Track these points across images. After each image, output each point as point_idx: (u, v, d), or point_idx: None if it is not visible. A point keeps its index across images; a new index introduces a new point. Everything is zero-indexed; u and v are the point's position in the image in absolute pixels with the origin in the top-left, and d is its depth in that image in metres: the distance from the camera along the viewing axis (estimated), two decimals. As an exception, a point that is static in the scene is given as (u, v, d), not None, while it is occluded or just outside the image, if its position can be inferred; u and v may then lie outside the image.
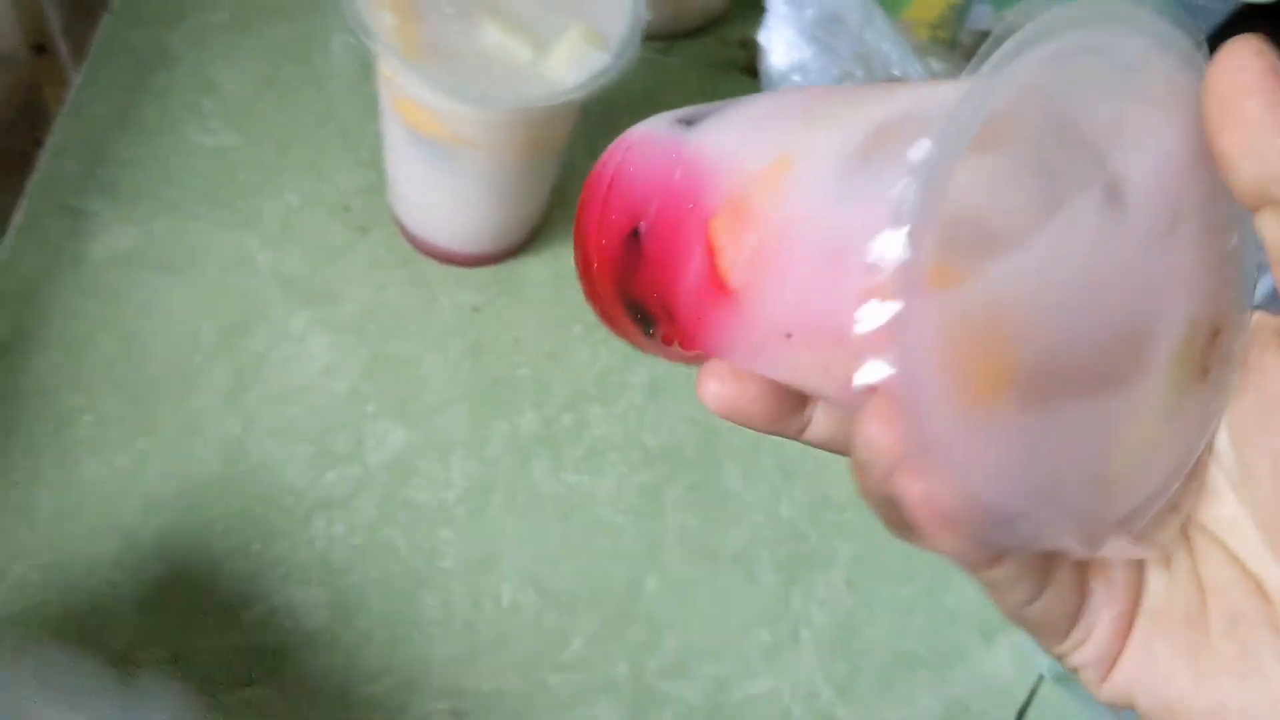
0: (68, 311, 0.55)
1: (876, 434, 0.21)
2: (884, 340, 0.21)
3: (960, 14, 0.63)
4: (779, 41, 0.51)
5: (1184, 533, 0.25)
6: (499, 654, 0.51)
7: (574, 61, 0.47)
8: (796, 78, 0.51)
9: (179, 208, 0.58)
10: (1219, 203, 0.23)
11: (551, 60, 0.47)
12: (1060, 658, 0.26)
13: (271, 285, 0.57)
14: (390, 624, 0.50)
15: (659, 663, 0.52)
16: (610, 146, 0.28)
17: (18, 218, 0.57)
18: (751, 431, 0.57)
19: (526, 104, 0.46)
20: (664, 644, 0.52)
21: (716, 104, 0.28)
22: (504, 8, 0.47)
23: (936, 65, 0.52)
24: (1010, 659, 0.55)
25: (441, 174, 0.52)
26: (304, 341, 0.56)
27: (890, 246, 0.21)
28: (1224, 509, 0.24)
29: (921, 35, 0.65)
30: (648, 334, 0.27)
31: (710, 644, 0.53)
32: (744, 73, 0.69)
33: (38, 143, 0.68)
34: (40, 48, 0.68)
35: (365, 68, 0.64)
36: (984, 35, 0.64)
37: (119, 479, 0.51)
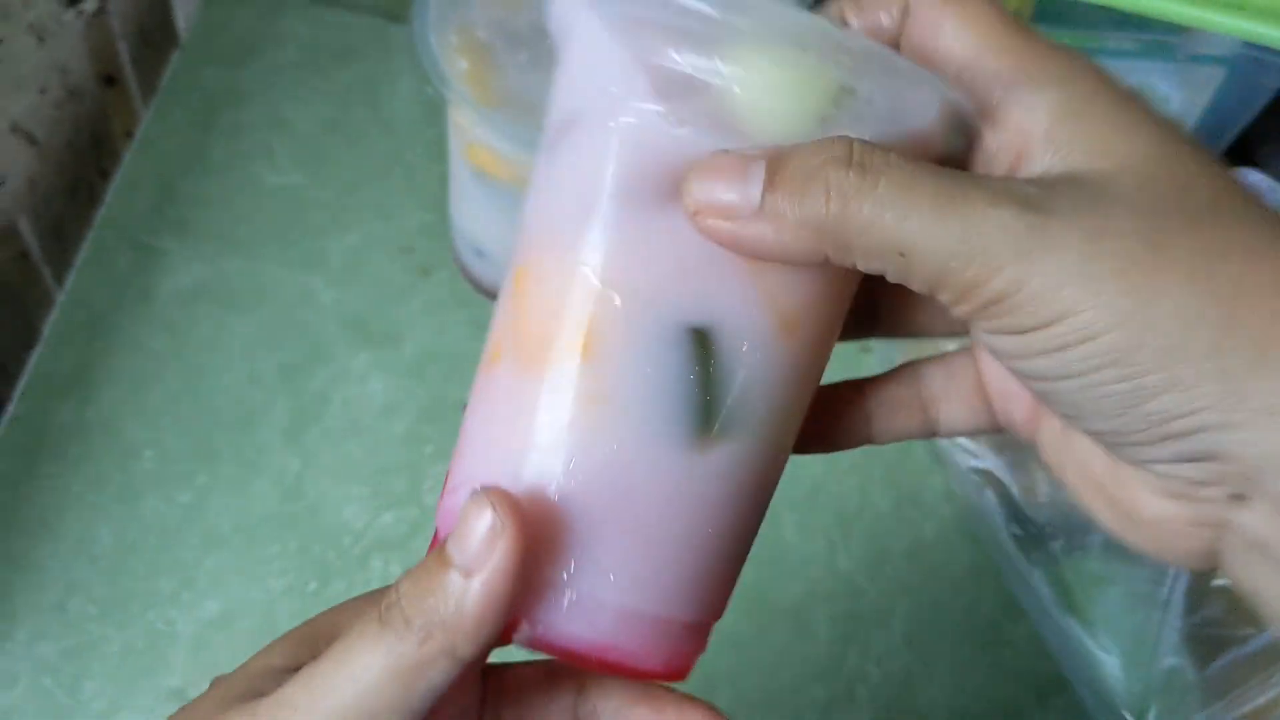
0: (134, 346, 0.56)
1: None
2: None
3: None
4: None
5: None
6: (551, 702, 0.50)
7: None
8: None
9: (246, 246, 0.59)
10: None
11: None
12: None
13: (334, 325, 0.57)
14: (443, 668, 0.50)
15: (711, 716, 0.51)
16: None
17: (84, 251, 0.58)
18: (810, 482, 0.56)
19: None
20: (717, 698, 0.52)
21: None
22: None
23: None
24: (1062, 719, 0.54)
25: (508, 215, 0.53)
26: (364, 381, 0.56)
27: None
28: None
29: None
30: None
31: (764, 699, 0.52)
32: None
33: (104, 174, 0.70)
34: (110, 79, 0.69)
35: (431, 111, 0.64)
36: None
37: (178, 515, 0.52)
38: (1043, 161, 0.25)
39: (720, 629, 0.52)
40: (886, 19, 0.27)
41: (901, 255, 0.23)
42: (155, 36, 0.74)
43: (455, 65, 0.46)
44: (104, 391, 0.54)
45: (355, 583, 0.51)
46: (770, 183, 0.23)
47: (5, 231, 0.60)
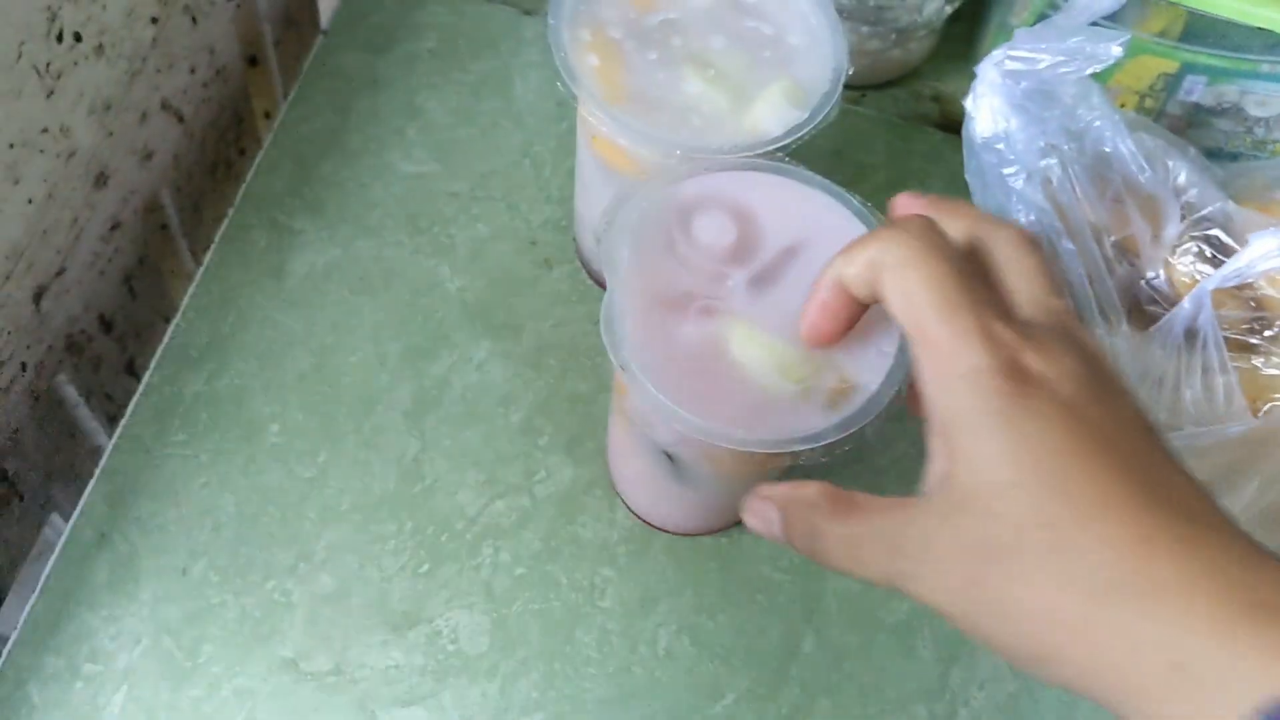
0: (265, 322, 0.57)
1: None
2: None
3: (1171, 85, 0.61)
4: (985, 109, 0.50)
5: None
6: (650, 700, 0.51)
7: (774, 114, 0.47)
8: (1000, 147, 0.50)
9: (378, 230, 0.60)
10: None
11: (752, 113, 0.47)
12: None
13: (458, 312, 0.58)
14: (547, 658, 0.51)
15: (810, 727, 0.51)
16: None
17: (223, 228, 0.60)
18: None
19: (719, 154, 0.46)
20: (817, 709, 0.51)
21: None
22: (709, 59, 0.48)
23: (1149, 141, 0.51)
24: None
25: None
26: (484, 369, 0.57)
27: None
28: None
29: (1128, 104, 0.63)
30: None
31: (864, 715, 0.51)
32: (935, 127, 0.68)
33: (242, 152, 0.72)
34: (253, 60, 0.71)
35: (561, 104, 0.65)
36: (1194, 107, 0.62)
37: (300, 489, 0.53)
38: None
39: (824, 640, 0.52)
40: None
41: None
42: (298, 20, 0.76)
43: (585, 61, 0.46)
44: (235, 365, 0.56)
45: (466, 568, 0.52)
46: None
47: (150, 204, 0.62)
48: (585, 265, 0.60)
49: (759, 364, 0.41)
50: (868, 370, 0.41)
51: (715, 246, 0.42)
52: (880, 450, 0.57)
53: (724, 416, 0.40)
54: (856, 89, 0.69)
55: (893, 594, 0.54)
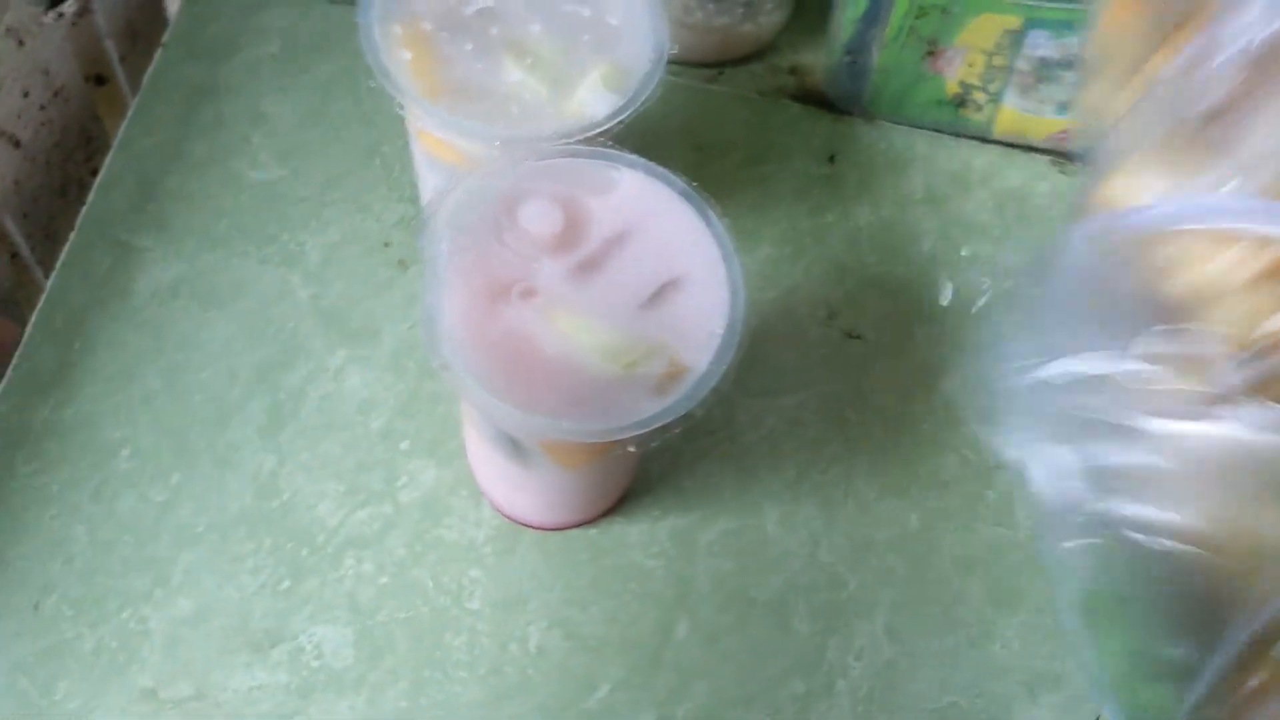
0: (113, 344, 0.56)
1: None
2: None
3: (1016, 40, 0.61)
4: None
5: None
6: (524, 699, 0.50)
7: (596, 98, 0.46)
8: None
9: (225, 242, 0.59)
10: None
11: (574, 98, 0.46)
12: None
13: (312, 320, 0.57)
14: (416, 665, 0.50)
15: (687, 712, 0.51)
16: None
17: (66, 251, 0.58)
18: (793, 473, 0.55)
19: (542, 141, 0.46)
20: (693, 692, 0.51)
21: None
22: (527, 46, 0.47)
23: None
24: (1056, 715, 0.52)
25: None
26: (341, 378, 0.56)
27: None
28: None
29: (977, 64, 0.63)
30: None
31: (741, 694, 0.51)
32: (793, 99, 0.67)
33: (95, 172, 0.70)
34: (100, 79, 0.69)
35: (411, 101, 0.64)
36: (1041, 62, 0.62)
37: (153, 513, 0.52)
38: None
39: (697, 621, 0.52)
40: None
41: None
42: (146, 35, 0.74)
43: (399, 56, 0.45)
44: (83, 390, 0.55)
45: (328, 581, 0.51)
46: None
47: (-10, 232, 0.60)
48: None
49: (586, 351, 0.40)
50: (696, 351, 0.41)
51: (542, 235, 0.42)
52: (749, 428, 0.56)
53: (552, 405, 0.39)
54: (712, 67, 0.68)
55: (765, 569, 0.54)
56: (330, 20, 0.66)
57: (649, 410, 0.40)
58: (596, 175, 0.44)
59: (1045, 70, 0.62)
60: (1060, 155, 0.67)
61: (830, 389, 0.58)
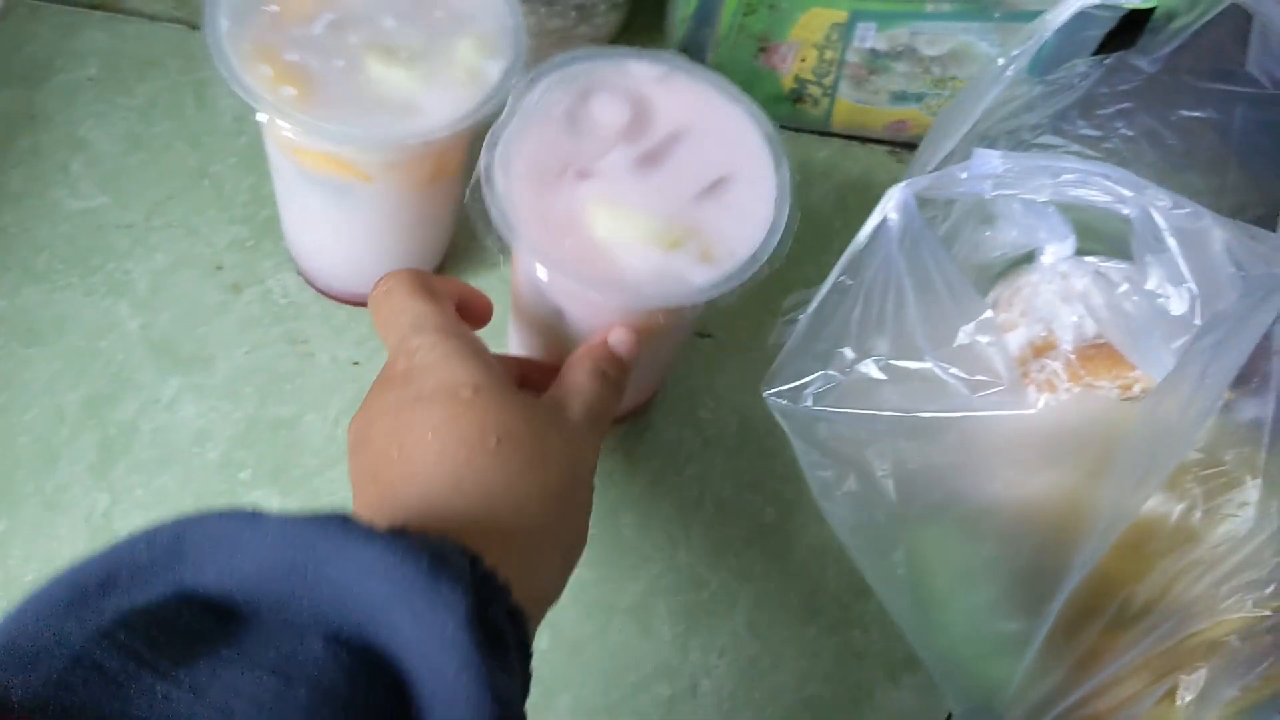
0: (-73, 390, 0.53)
1: None
2: None
3: (845, 33, 0.61)
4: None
5: None
6: None
7: (461, 86, 0.46)
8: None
9: (46, 276, 0.56)
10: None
11: (436, 89, 0.46)
12: None
13: (142, 351, 0.55)
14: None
15: (551, 725, 0.50)
16: None
17: (-123, 294, 0.55)
18: (649, 477, 0.55)
19: (405, 140, 0.45)
20: (557, 705, 0.50)
21: None
22: (385, 43, 0.46)
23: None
24: (917, 697, 0.53)
25: (337, 210, 0.51)
26: (174, 408, 0.54)
27: None
28: None
29: (809, 58, 0.63)
30: None
31: (605, 702, 0.51)
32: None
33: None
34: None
35: (240, 119, 0.62)
36: (871, 54, 0.63)
37: (-22, 564, 0.49)
38: None
39: (559, 633, 0.51)
40: None
41: None
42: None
43: (259, 72, 0.44)
44: (-104, 440, 0.52)
45: (170, 620, 0.49)
46: None
47: None
48: (302, 272, 0.57)
49: (632, 238, 0.43)
50: (738, 243, 0.44)
51: (610, 124, 0.46)
52: (602, 433, 0.56)
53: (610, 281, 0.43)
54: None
55: (624, 575, 0.54)
56: (151, 39, 0.64)
57: (696, 281, 0.43)
58: (665, 81, 0.48)
59: (876, 61, 0.63)
60: (896, 145, 0.68)
61: (682, 388, 0.58)
